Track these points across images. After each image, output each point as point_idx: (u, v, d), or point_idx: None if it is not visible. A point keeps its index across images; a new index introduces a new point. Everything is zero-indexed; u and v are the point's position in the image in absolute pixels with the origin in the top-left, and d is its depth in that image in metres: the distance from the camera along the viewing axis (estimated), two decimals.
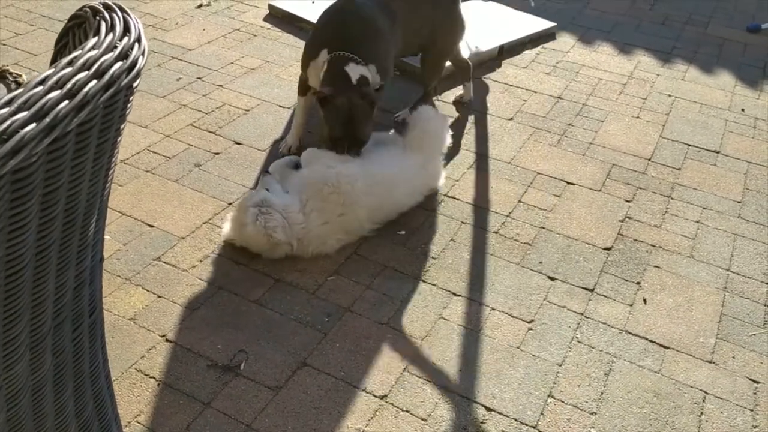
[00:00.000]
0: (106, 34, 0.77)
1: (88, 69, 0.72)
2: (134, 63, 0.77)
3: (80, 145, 0.73)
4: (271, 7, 3.83)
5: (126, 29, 0.80)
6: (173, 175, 2.48)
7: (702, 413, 1.79)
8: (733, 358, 1.96)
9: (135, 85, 0.80)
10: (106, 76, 0.72)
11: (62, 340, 0.94)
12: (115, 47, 0.76)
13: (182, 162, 2.55)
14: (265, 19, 3.77)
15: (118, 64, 0.75)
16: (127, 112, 0.82)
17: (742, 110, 3.29)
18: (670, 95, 3.37)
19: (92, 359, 1.07)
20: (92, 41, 0.76)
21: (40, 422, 0.97)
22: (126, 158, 2.54)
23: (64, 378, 1.00)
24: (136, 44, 0.79)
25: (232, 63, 3.28)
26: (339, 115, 2.26)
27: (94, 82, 0.71)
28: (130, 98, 0.81)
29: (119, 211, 2.28)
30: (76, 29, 0.84)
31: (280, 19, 3.78)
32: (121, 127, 0.83)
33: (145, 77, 3.08)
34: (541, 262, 2.24)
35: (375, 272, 2.14)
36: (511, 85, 3.31)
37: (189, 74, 3.14)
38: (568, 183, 2.64)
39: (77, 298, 0.93)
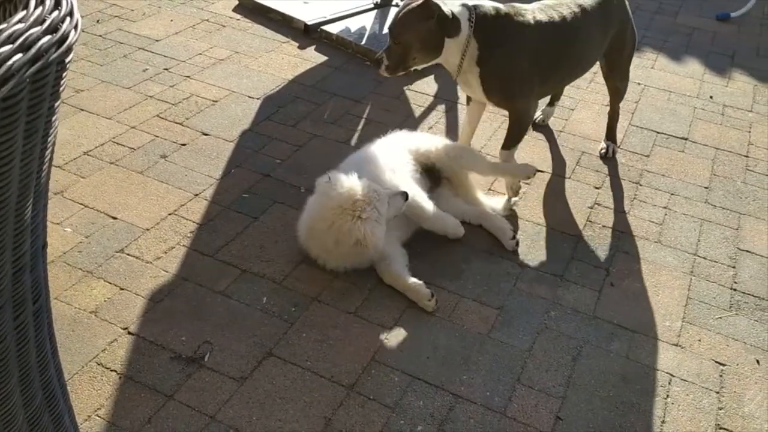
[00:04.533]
0: (35, 8, 0.75)
1: (13, 42, 0.69)
2: (64, 37, 0.74)
3: (6, 120, 0.70)
4: None
5: (57, 3, 0.77)
6: (138, 166, 2.44)
7: (668, 396, 1.80)
8: (699, 341, 1.98)
9: (67, 60, 0.77)
10: (32, 50, 0.70)
11: (3, 326, 0.91)
12: (44, 21, 0.73)
13: (147, 153, 2.51)
14: (235, 10, 3.73)
15: (47, 38, 0.72)
16: (60, 89, 0.79)
17: (711, 98, 3.32)
18: (639, 83, 3.38)
19: (39, 348, 1.04)
20: (20, 15, 0.73)
21: None
22: (89, 150, 2.50)
23: (8, 367, 0.97)
24: (68, 18, 0.76)
25: (200, 54, 3.24)
26: None
27: (19, 55, 0.69)
28: (63, 74, 0.78)
29: (81, 203, 2.23)
30: (7, 4, 0.81)
31: (250, 9, 3.74)
32: (56, 105, 0.80)
33: (111, 68, 3.03)
34: (510, 250, 2.24)
35: None
36: None
37: (156, 65, 3.10)
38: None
39: (17, 283, 0.90)
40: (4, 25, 0.71)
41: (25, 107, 0.73)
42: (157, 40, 3.30)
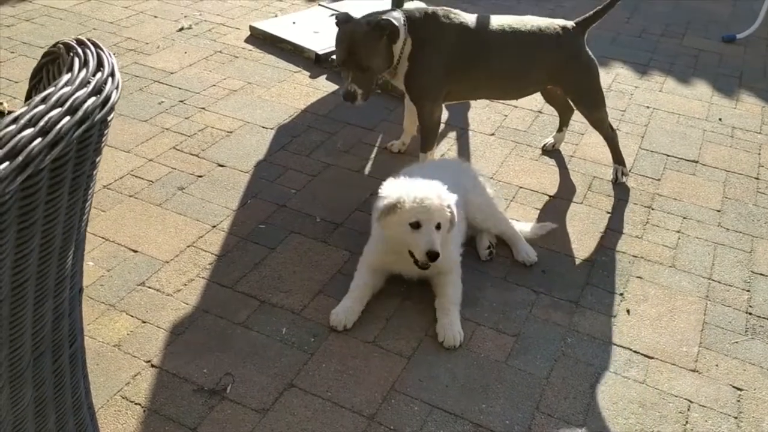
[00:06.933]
0: (80, 70, 0.78)
1: (62, 105, 0.73)
2: (108, 97, 0.78)
3: (54, 180, 0.74)
4: (252, 28, 3.86)
5: (99, 64, 0.81)
6: (156, 199, 2.48)
7: (687, 422, 1.81)
8: (717, 366, 1.98)
9: (109, 119, 0.81)
10: (80, 112, 0.73)
11: (42, 372, 0.94)
12: (89, 83, 0.77)
13: (165, 186, 2.56)
14: (247, 41, 3.79)
15: (92, 100, 0.76)
16: (102, 145, 0.83)
17: (720, 120, 3.34)
18: (648, 107, 3.42)
19: (74, 390, 1.07)
20: (65, 77, 0.77)
21: None
22: (109, 183, 2.54)
23: (46, 410, 1.00)
24: (110, 79, 0.80)
25: (214, 85, 3.30)
26: (340, 40, 2.40)
27: (67, 118, 0.72)
28: (105, 132, 0.82)
29: (102, 237, 2.28)
30: (50, 65, 0.85)
31: (262, 40, 3.81)
32: (97, 160, 0.84)
33: (127, 101, 3.09)
34: (525, 276, 2.26)
35: None
36: (491, 101, 3.34)
37: (171, 97, 3.15)
38: (551, 196, 2.67)
39: (56, 330, 0.93)
40: (51, 89, 0.75)
41: (71, 167, 0.76)
42: (171, 73, 3.37)
